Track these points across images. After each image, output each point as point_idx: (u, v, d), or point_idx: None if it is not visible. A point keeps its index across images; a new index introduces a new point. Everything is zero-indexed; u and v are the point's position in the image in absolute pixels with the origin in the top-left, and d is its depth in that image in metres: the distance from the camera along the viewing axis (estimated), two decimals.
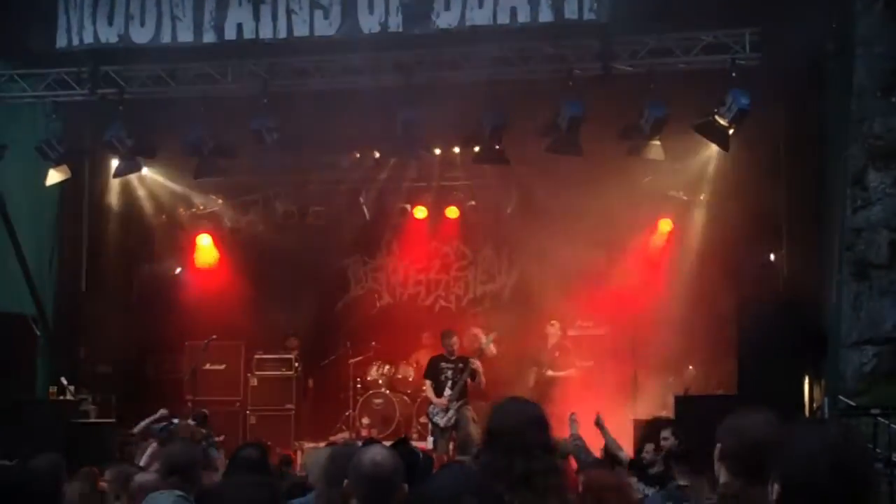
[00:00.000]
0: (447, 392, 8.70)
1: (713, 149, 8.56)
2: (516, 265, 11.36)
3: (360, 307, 11.64)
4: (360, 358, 10.82)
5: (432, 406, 8.88)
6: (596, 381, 9.30)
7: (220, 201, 11.28)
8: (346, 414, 10.59)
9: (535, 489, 2.48)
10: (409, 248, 11.59)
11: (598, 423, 6.39)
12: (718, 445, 2.28)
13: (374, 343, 10.92)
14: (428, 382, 9.00)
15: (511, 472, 2.48)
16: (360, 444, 3.48)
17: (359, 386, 10.72)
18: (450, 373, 8.78)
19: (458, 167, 10.38)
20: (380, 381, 10.68)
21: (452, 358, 8.91)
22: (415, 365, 10.76)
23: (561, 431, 6.45)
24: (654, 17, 7.03)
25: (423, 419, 9.84)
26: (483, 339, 9.06)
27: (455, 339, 8.99)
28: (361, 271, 11.88)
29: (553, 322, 9.76)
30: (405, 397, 10.59)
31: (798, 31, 6.66)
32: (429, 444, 8.69)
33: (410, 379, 10.70)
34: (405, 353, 11.01)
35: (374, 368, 10.77)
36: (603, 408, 7.38)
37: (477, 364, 8.64)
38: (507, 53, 7.69)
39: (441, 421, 8.74)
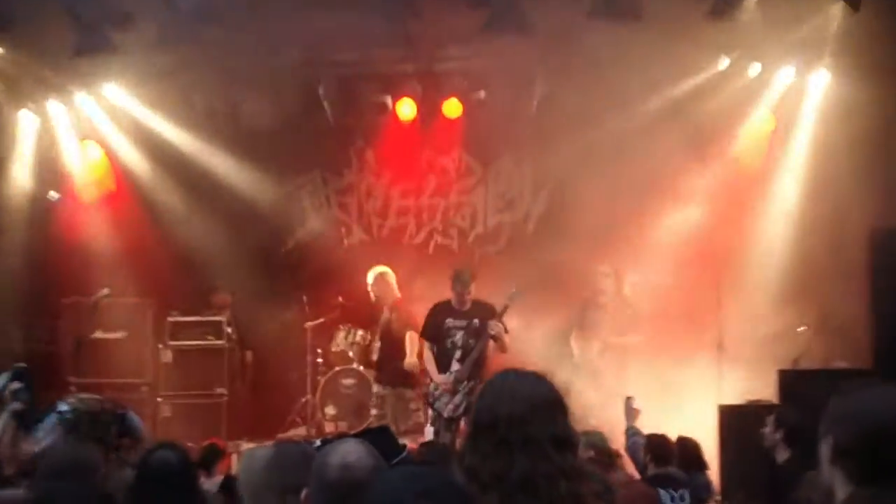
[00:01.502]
0: (455, 365, 8.39)
1: (836, 10, 8.57)
2: (545, 184, 11.26)
3: (319, 247, 11.47)
4: (320, 320, 10.62)
5: (432, 385, 8.54)
6: (665, 348, 9.20)
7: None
8: (303, 401, 10.50)
9: (540, 498, 2.52)
10: (391, 161, 11.50)
11: (630, 409, 6.65)
12: (829, 440, 2.24)
13: (340, 299, 10.68)
14: (426, 347, 8.69)
15: (507, 476, 2.55)
16: (317, 442, 3.46)
17: (319, 361, 10.58)
18: (460, 335, 8.45)
19: (460, 41, 10.04)
20: (350, 354, 10.49)
21: (464, 310, 8.51)
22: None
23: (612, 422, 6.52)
24: None
25: (413, 405, 9.68)
26: (512, 291, 8.47)
27: (470, 282, 8.52)
28: (321, 195, 11.81)
29: (604, 267, 9.61)
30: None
31: None
32: (428, 437, 8.49)
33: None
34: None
35: (342, 335, 10.58)
36: (676, 386, 7.69)
37: (499, 325, 8.20)
38: None
39: (445, 408, 8.42)
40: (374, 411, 9.44)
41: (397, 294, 9.66)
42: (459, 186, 11.60)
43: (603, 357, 9.38)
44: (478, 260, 10.94)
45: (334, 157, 11.61)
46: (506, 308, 8.20)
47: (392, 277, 9.78)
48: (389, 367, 9.47)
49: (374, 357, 10.00)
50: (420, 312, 9.29)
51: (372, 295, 9.70)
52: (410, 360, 9.10)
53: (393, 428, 6.72)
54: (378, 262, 10.19)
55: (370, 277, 9.68)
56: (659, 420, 6.89)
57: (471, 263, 9.87)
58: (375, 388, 9.52)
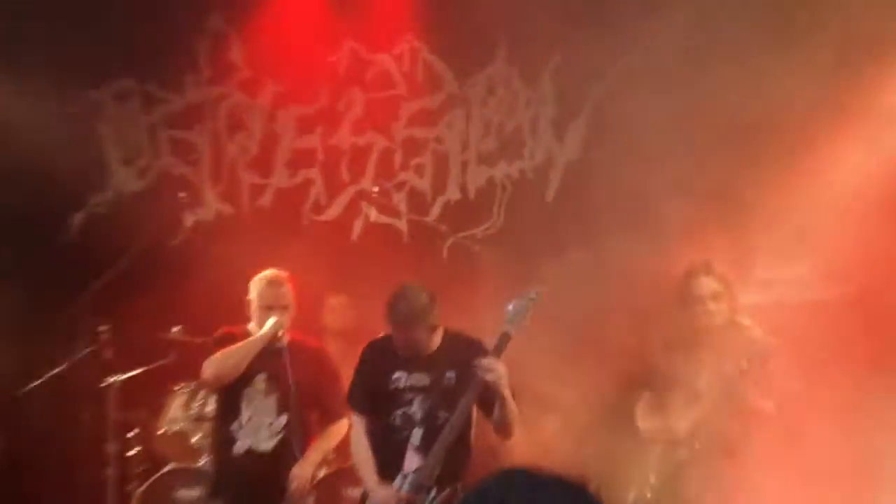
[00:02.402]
0: (412, 459, 7.33)
1: None
2: (577, 110, 10.00)
3: (134, 228, 9.88)
4: (134, 372, 9.22)
5: (369, 502, 7.60)
6: (804, 417, 7.96)
7: None
8: None
9: None
10: (277, 59, 10.38)
11: None
12: None
13: (175, 329, 9.21)
14: (357, 426, 7.63)
15: None
16: None
17: (132, 453, 9.22)
18: (418, 402, 7.50)
19: None
20: (193, 440, 9.17)
21: (421, 356, 7.54)
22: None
23: None
24: None
25: None
26: (525, 295, 7.32)
27: (426, 314, 7.39)
28: (140, 126, 10.62)
29: (705, 265, 8.11)
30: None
31: None
32: None
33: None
34: None
35: (178, 402, 9.30)
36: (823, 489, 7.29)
37: (497, 368, 7.16)
38: None
39: None
40: None
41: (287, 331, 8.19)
42: (413, 112, 10.44)
43: (702, 440, 7.95)
44: (447, 256, 10.09)
45: (165, 52, 10.42)
46: (506, 338, 7.15)
47: (286, 290, 8.24)
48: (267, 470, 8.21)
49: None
50: (347, 349, 8.65)
51: (251, 323, 8.17)
52: (302, 470, 7.95)
53: None
54: (255, 260, 8.62)
55: (264, 293, 8.14)
56: None
57: (430, 267, 9.44)
58: None
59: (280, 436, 7.92)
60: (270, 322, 8.04)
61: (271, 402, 8.00)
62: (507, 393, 7.15)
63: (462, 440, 7.34)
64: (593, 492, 2.49)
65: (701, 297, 7.97)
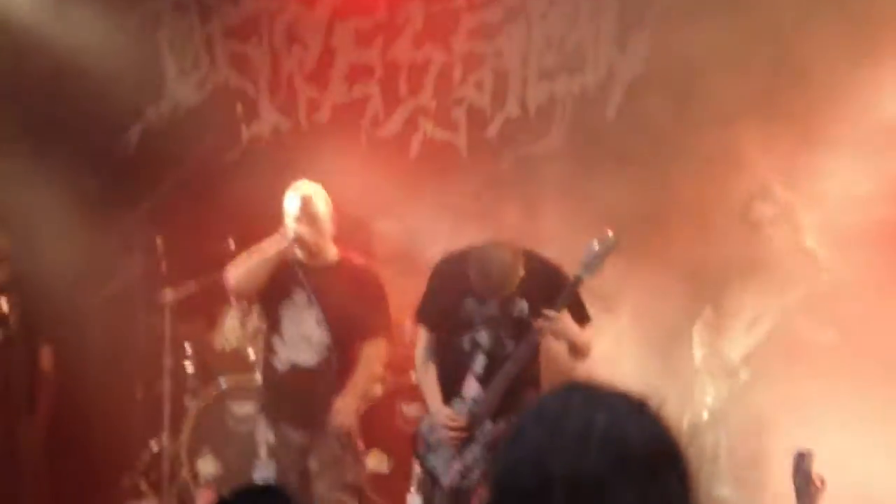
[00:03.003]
0: (471, 385, 7.50)
1: None
2: (641, 25, 9.62)
3: (191, 141, 10.03)
4: (190, 289, 9.37)
5: (426, 422, 7.69)
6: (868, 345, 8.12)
7: None
8: (153, 449, 9.32)
9: None
10: None
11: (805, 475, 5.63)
12: None
13: (232, 245, 9.09)
14: (422, 346, 7.74)
15: None
16: None
17: (188, 368, 9.41)
18: (486, 332, 7.56)
19: None
20: (249, 354, 9.40)
21: (494, 291, 7.63)
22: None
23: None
24: None
25: (377, 459, 9.09)
26: (602, 239, 7.46)
27: (511, 274, 7.44)
28: (196, 38, 10.60)
29: (765, 192, 8.44)
30: None
31: None
32: None
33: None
34: None
35: (233, 320, 9.60)
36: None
37: (564, 315, 7.36)
38: None
39: (446, 470, 7.53)
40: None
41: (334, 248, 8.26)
42: (472, 26, 10.07)
43: (758, 365, 8.22)
44: (507, 170, 9.85)
45: None
46: (579, 283, 7.38)
47: (326, 206, 8.29)
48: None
49: None
50: (395, 279, 8.56)
51: (291, 241, 8.21)
52: (345, 404, 8.12)
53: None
54: (307, 174, 8.65)
55: (289, 205, 8.16)
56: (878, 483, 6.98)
57: (489, 185, 9.53)
58: (292, 432, 8.31)
59: (321, 353, 7.96)
60: (281, 234, 8.11)
61: (311, 317, 8.06)
62: (568, 336, 7.26)
63: (527, 374, 7.37)
64: (655, 408, 2.46)
65: (758, 223, 8.04)
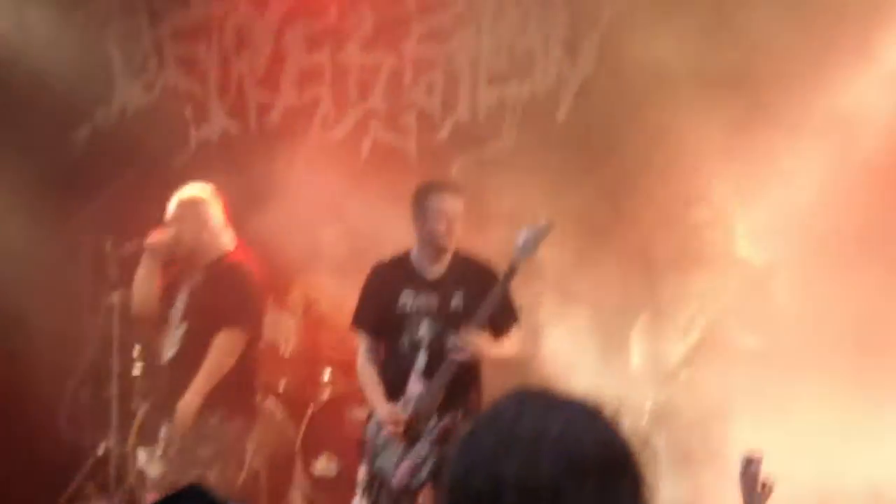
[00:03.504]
0: (415, 382, 7.62)
1: None
2: (591, 28, 9.70)
3: (140, 142, 10.25)
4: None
5: (371, 423, 7.79)
6: (838, 357, 8.21)
7: None
8: (100, 449, 9.20)
9: None
10: None
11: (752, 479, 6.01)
12: None
13: None
14: (363, 347, 7.88)
15: None
16: None
17: (137, 359, 9.32)
18: (426, 324, 7.71)
19: None
20: None
21: (434, 277, 7.78)
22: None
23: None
24: None
25: (325, 463, 9.18)
26: (534, 226, 7.70)
27: (456, 204, 7.74)
28: (145, 40, 10.60)
29: (700, 192, 8.70)
30: (276, 403, 9.52)
31: None
32: None
33: (289, 346, 9.72)
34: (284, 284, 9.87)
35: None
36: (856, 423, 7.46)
37: (506, 299, 7.74)
38: None
39: (393, 469, 7.66)
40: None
41: (224, 241, 8.32)
42: (423, 30, 10.14)
43: (698, 365, 8.32)
44: (456, 174, 9.71)
45: None
46: (515, 269, 7.56)
47: (208, 207, 8.42)
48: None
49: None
50: (344, 282, 8.67)
51: (164, 244, 8.49)
52: (184, 403, 8.13)
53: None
54: (257, 178, 9.46)
55: (169, 208, 8.53)
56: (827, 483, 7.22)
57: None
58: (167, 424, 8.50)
59: (178, 344, 8.03)
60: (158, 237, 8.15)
61: (179, 312, 8.12)
62: (490, 356, 7.42)
63: (468, 367, 7.44)
64: (609, 415, 2.46)
65: (695, 225, 8.20)
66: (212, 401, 8.15)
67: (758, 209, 8.66)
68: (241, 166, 9.79)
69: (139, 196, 9.63)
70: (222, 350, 8.04)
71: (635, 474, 2.43)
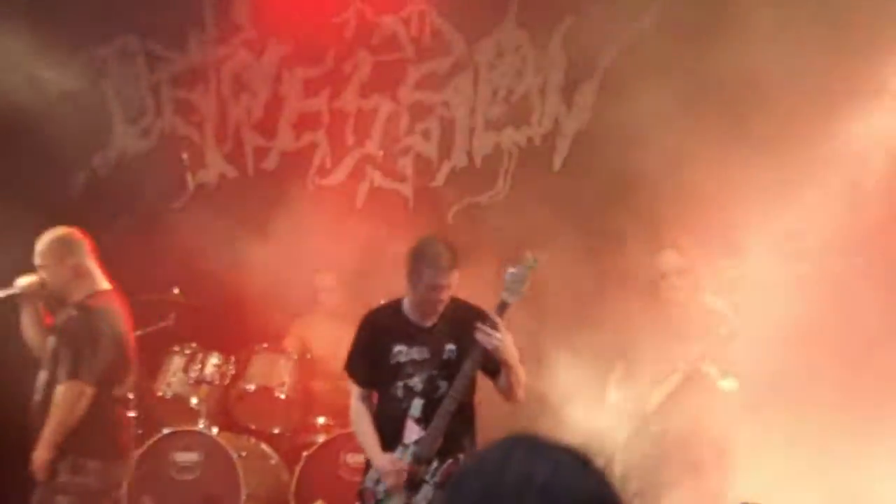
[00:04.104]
0: (411, 430, 7.44)
1: None
2: (585, 77, 9.92)
3: (136, 188, 10.29)
4: (135, 334, 8.64)
5: (370, 474, 7.57)
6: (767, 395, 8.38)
7: None
8: None
9: None
10: (282, 20, 10.36)
11: None
12: None
13: (176, 291, 9.53)
14: (356, 398, 7.69)
15: None
16: None
17: (131, 414, 8.82)
18: (420, 376, 7.51)
19: None
20: (193, 400, 9.33)
21: (427, 325, 7.62)
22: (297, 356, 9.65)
23: None
24: None
25: None
26: (523, 262, 7.47)
27: (450, 267, 7.41)
28: (142, 85, 10.65)
29: (674, 241, 8.42)
30: (271, 447, 9.46)
31: None
32: None
33: (284, 390, 9.51)
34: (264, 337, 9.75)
35: (177, 363, 9.39)
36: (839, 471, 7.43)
37: (497, 334, 7.31)
38: None
39: None
40: None
41: (87, 282, 8.02)
42: (420, 76, 10.34)
43: (669, 416, 8.33)
44: (452, 219, 10.06)
45: (170, 10, 10.44)
46: (505, 306, 7.34)
47: (66, 250, 8.17)
48: None
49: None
50: (340, 328, 8.58)
51: (26, 286, 8.16)
52: (35, 455, 7.81)
53: None
54: (253, 223, 9.47)
55: (39, 247, 8.20)
56: None
57: (441, 229, 9.28)
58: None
59: (39, 392, 7.87)
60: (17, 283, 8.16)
61: (46, 356, 7.96)
62: (511, 359, 7.19)
63: (463, 411, 7.32)
64: (597, 463, 2.44)
65: (666, 273, 8.16)
66: (64, 454, 7.89)
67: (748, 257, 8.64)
68: (238, 210, 9.81)
69: (137, 241, 9.76)
70: (63, 405, 7.81)
71: None
